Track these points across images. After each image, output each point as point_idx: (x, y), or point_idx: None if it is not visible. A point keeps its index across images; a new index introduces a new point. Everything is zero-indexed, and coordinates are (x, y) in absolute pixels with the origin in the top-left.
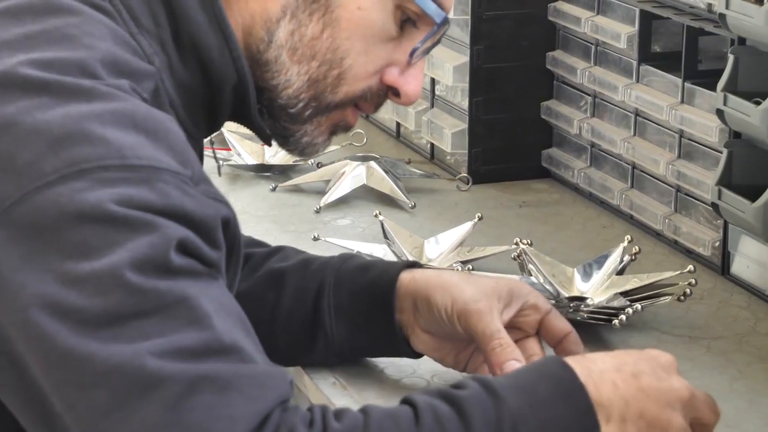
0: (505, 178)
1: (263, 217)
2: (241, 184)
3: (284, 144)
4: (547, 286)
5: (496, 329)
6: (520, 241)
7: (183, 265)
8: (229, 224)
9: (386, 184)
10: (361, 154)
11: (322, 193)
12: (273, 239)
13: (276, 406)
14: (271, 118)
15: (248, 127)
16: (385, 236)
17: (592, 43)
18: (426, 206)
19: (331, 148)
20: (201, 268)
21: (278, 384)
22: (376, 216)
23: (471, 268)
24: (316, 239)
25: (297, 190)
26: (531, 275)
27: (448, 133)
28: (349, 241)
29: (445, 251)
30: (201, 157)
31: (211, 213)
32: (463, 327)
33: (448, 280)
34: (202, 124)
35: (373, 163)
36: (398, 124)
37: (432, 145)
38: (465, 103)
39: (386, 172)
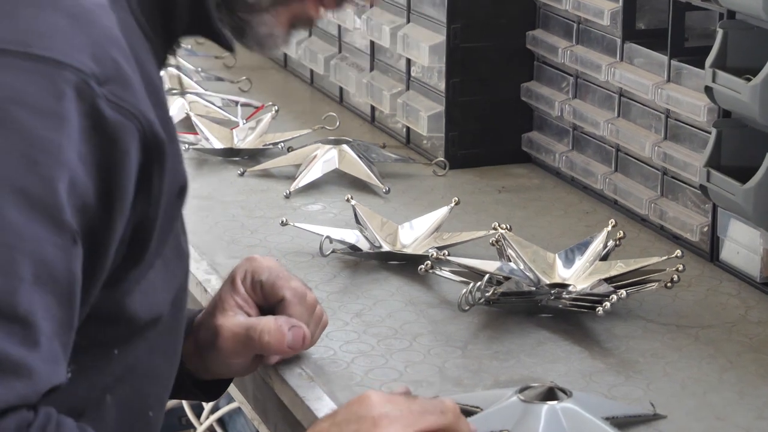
0: (484, 162)
1: (230, 203)
2: (208, 169)
3: (242, 38)
4: (528, 273)
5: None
6: (499, 226)
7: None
8: (145, 134)
9: (360, 169)
10: (333, 138)
11: (292, 178)
12: (240, 225)
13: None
14: (227, 11)
15: (207, 36)
16: (358, 221)
17: (573, 21)
18: (401, 191)
19: (302, 131)
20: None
21: (19, 385)
22: (348, 201)
23: (447, 253)
24: (284, 224)
25: (266, 175)
26: (510, 261)
27: (424, 116)
28: (320, 227)
29: (420, 237)
30: (160, 64)
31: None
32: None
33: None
34: (158, 26)
35: (345, 147)
36: (372, 108)
37: (407, 128)
38: (441, 85)
39: (360, 156)
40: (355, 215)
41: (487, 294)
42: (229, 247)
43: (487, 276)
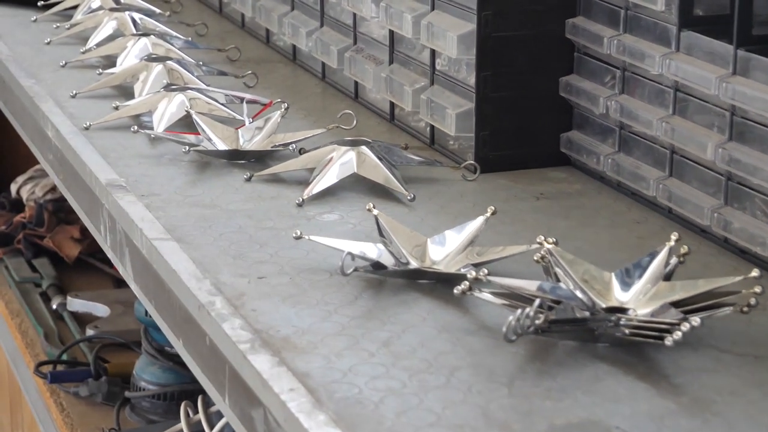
0: (518, 165)
1: (236, 212)
2: (211, 173)
3: None
4: (579, 294)
5: None
6: (545, 240)
7: None
8: None
9: (380, 173)
10: (350, 138)
11: (305, 183)
12: (248, 238)
13: None
14: None
15: None
16: (381, 234)
17: (620, 7)
18: (427, 198)
19: (315, 131)
20: None
21: None
22: (369, 210)
23: (487, 272)
24: (298, 237)
25: (276, 180)
26: (559, 281)
27: (452, 113)
28: (339, 240)
29: (452, 251)
30: None
31: None
32: None
33: None
34: None
35: (364, 149)
36: (392, 105)
37: (432, 128)
38: (471, 79)
39: (380, 158)
40: (378, 227)
41: (537, 321)
42: (236, 263)
43: (537, 301)
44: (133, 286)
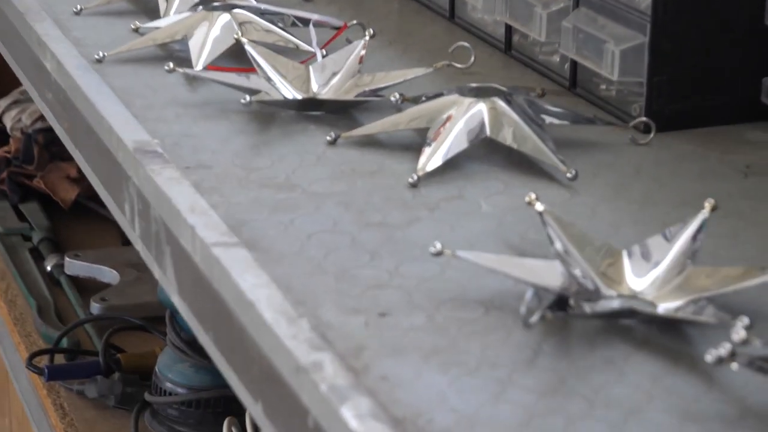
0: (706, 121)
1: (325, 197)
2: (279, 130)
3: None
4: None
5: None
6: None
7: None
8: None
9: (526, 137)
10: (474, 86)
11: (412, 149)
12: (349, 242)
13: None
14: None
15: None
16: (551, 241)
17: None
18: (590, 175)
19: (416, 71)
20: None
21: None
22: (530, 204)
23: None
24: (438, 253)
25: (371, 143)
26: None
27: (614, 50)
28: (503, 258)
29: (663, 274)
30: None
31: None
32: None
33: None
34: None
35: (498, 102)
36: (509, 29)
37: (574, 65)
38: (643, 2)
39: (522, 116)
40: (549, 235)
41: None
42: (341, 287)
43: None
44: (176, 300)
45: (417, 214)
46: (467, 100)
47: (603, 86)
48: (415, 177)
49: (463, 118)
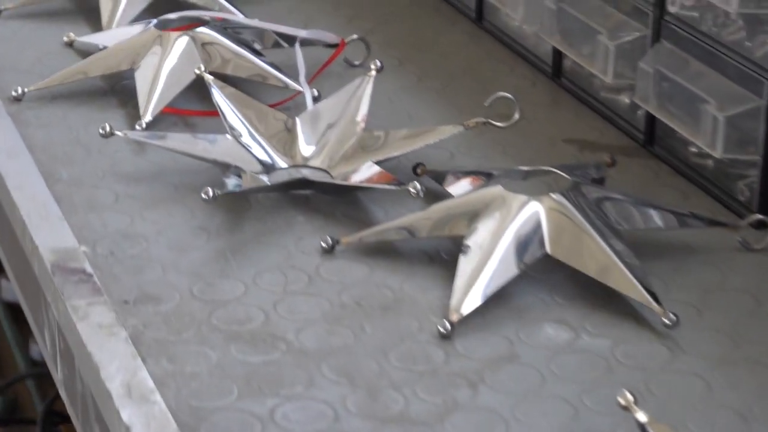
0: None
1: (317, 359)
2: (254, 227)
3: None
4: None
5: None
6: None
7: None
8: None
9: (606, 263)
10: (526, 169)
11: (443, 263)
12: None
13: None
14: None
15: None
16: None
17: None
18: (694, 315)
19: (445, 131)
20: None
21: None
22: (626, 408)
23: None
24: None
25: (383, 250)
26: None
27: (717, 114)
28: None
29: None
30: None
31: None
32: None
33: None
34: None
35: (560, 199)
36: (557, 54)
37: (651, 119)
38: (758, 48)
39: (591, 221)
40: None
41: None
42: None
43: None
44: None
45: (453, 395)
46: (517, 198)
47: (694, 150)
48: (447, 325)
49: (512, 227)
